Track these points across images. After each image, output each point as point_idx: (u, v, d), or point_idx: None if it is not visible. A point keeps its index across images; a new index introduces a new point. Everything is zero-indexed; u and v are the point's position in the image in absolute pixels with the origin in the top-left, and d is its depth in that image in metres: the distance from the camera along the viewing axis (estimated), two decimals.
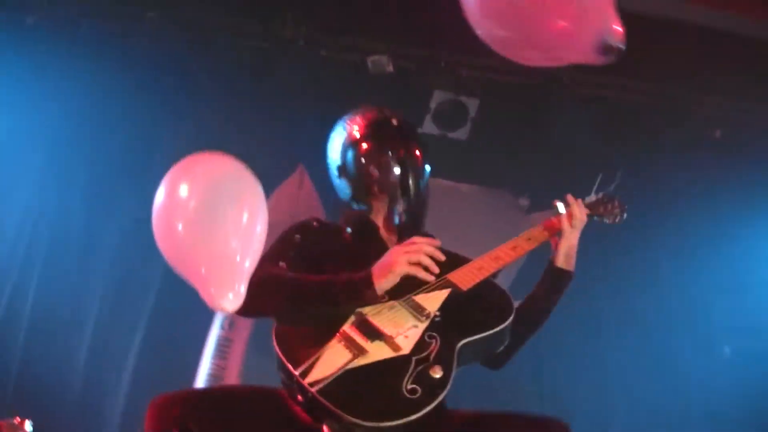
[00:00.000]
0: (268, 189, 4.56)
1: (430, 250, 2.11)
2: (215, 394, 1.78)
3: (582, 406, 4.53)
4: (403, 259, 2.08)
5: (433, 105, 4.74)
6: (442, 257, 2.13)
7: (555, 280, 2.40)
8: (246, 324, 4.19)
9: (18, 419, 2.94)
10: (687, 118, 4.87)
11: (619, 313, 4.80)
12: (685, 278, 4.88)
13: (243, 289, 1.82)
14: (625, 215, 2.58)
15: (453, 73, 4.88)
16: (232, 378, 4.07)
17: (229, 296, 1.78)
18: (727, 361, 4.81)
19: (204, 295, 1.78)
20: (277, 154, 4.70)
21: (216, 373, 3.95)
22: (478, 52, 4.90)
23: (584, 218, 2.39)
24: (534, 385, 4.57)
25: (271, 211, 4.51)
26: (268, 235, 4.34)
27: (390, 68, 4.82)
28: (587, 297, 4.77)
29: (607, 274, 4.85)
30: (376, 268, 2.11)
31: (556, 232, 2.40)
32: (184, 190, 1.87)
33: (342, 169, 2.56)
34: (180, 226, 1.82)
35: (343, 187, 2.56)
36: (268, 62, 4.71)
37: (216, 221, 1.83)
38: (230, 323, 4.00)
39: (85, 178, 4.59)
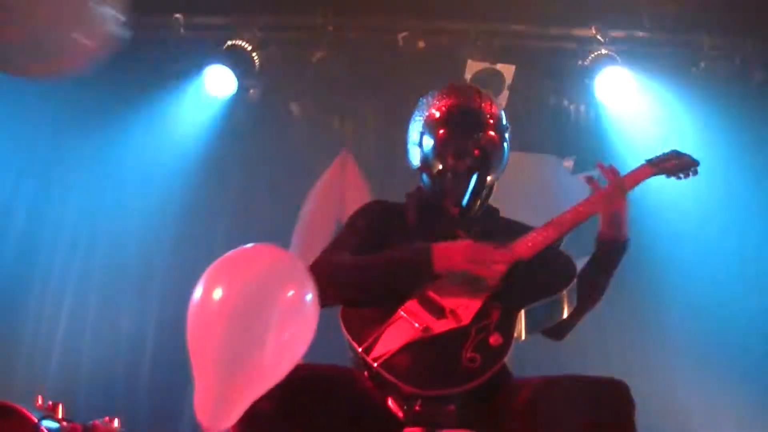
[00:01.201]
0: (316, 175, 4.67)
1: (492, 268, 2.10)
2: (295, 369, 1.76)
3: (645, 364, 4.45)
4: (465, 264, 2.09)
5: (468, 75, 4.68)
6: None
7: (603, 250, 2.31)
8: None
9: (107, 418, 3.02)
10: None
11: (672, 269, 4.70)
12: (731, 229, 4.77)
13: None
14: (696, 172, 2.44)
15: (485, 42, 4.82)
16: None
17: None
18: None
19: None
20: (322, 141, 4.73)
21: None
22: (508, 19, 4.92)
23: (620, 187, 2.26)
24: (598, 347, 4.49)
25: (319, 194, 4.58)
26: (316, 216, 4.44)
27: (421, 44, 4.79)
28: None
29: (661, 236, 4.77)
30: (438, 254, 2.11)
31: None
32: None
33: (418, 148, 2.44)
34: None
35: (415, 160, 2.47)
36: (302, 52, 4.74)
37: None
38: None
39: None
